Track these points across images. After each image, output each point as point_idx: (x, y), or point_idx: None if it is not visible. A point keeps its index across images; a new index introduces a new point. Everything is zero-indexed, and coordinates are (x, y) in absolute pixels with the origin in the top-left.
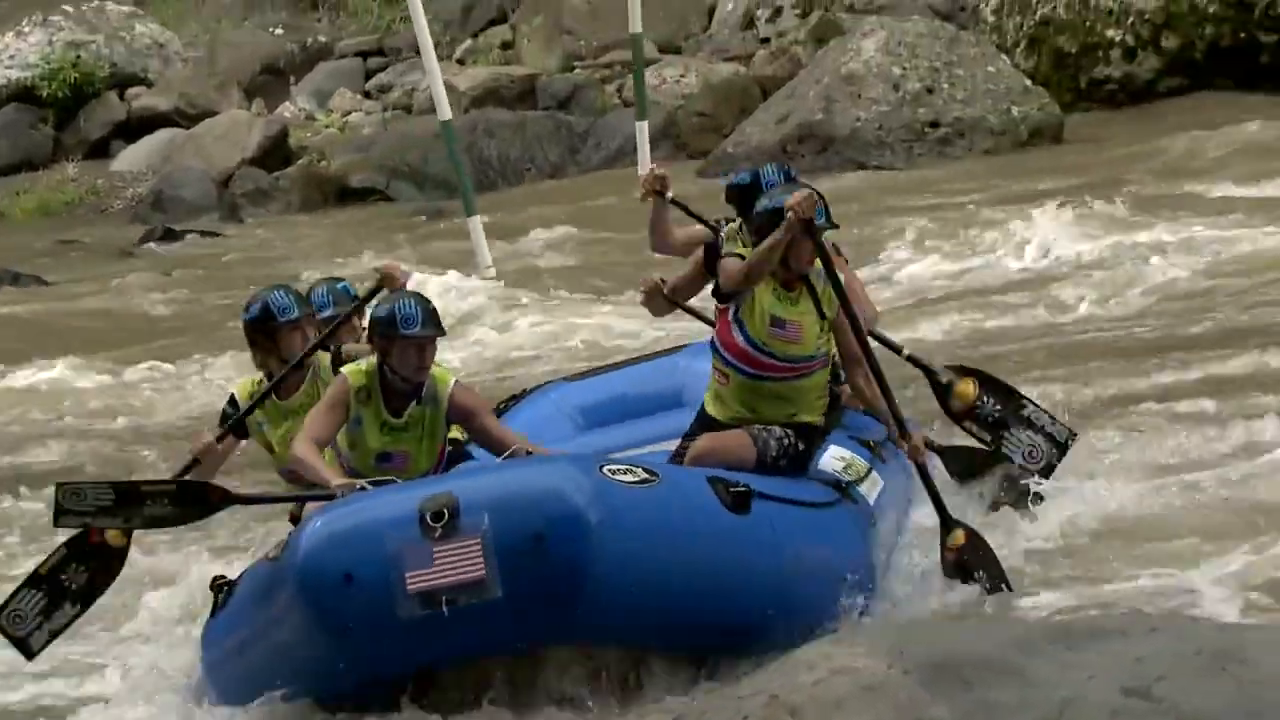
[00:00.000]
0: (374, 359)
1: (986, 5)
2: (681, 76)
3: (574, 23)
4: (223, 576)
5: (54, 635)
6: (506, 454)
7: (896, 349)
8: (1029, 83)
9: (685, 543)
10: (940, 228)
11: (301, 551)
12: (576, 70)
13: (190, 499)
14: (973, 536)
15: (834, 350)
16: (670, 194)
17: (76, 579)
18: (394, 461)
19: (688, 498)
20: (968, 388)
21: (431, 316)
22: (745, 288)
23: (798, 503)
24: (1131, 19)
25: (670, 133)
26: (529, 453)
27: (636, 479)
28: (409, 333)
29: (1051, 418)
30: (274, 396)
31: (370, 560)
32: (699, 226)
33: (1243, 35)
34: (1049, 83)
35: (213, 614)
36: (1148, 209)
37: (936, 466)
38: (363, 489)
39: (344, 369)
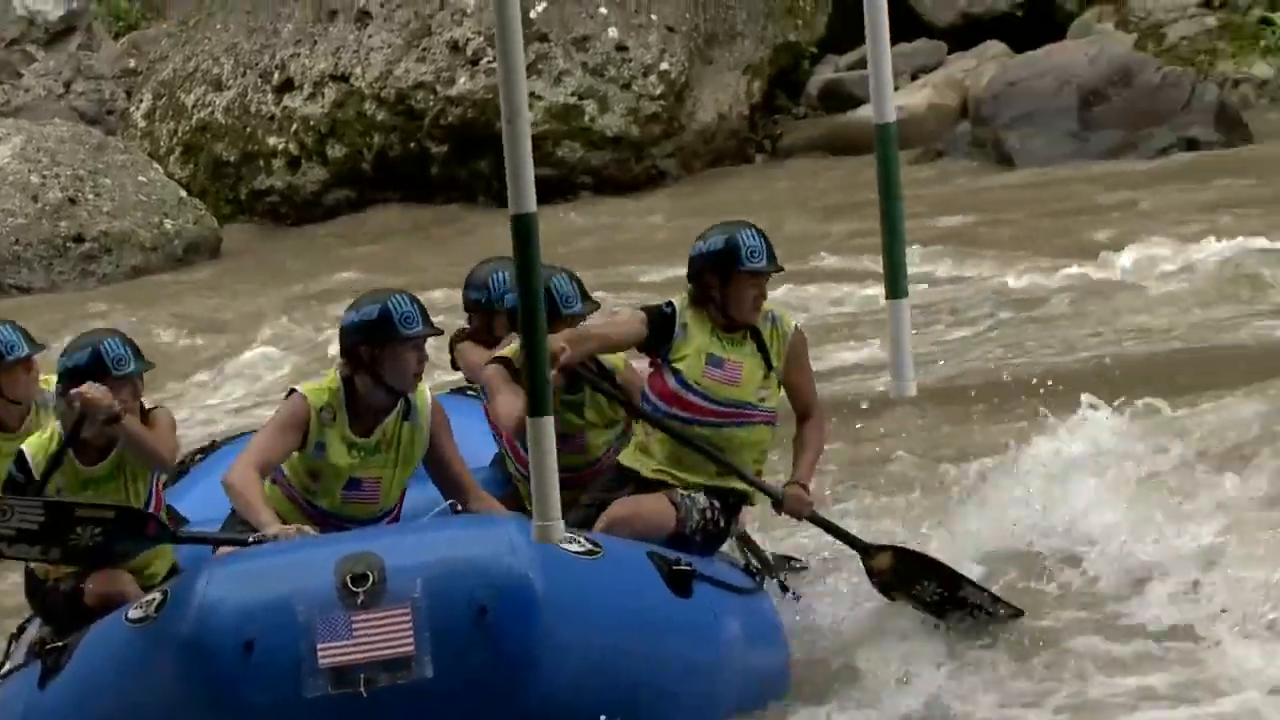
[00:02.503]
0: (334, 374)
1: (137, 109)
2: None
3: None
4: (54, 639)
5: None
6: (439, 509)
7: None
8: (184, 193)
9: (628, 624)
10: None
11: (192, 612)
12: None
13: (125, 530)
14: (900, 555)
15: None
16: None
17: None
18: (363, 490)
19: (631, 574)
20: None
21: (426, 313)
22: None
23: (731, 587)
24: (295, 126)
25: None
26: (462, 509)
27: (582, 549)
28: (412, 332)
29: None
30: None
31: (276, 626)
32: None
33: (412, 145)
34: (206, 194)
35: (40, 684)
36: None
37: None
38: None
39: (300, 387)
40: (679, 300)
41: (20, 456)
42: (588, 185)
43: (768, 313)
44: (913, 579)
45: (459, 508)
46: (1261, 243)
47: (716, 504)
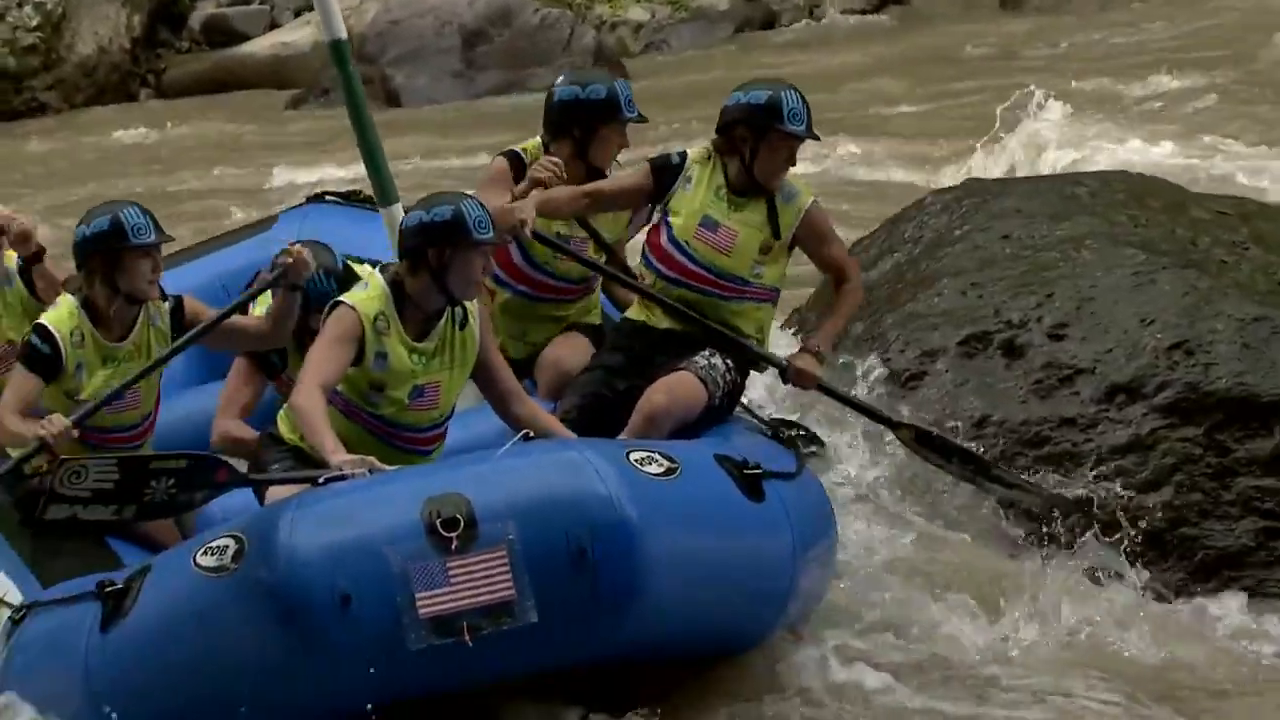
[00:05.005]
0: (378, 280)
1: None
2: None
3: None
4: (110, 581)
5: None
6: (515, 438)
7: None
8: None
9: (714, 540)
10: None
11: (284, 564)
12: None
13: (198, 479)
14: (919, 433)
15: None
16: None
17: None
18: (425, 397)
19: (711, 489)
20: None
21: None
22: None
23: (786, 475)
24: None
25: None
26: (529, 435)
27: (662, 470)
28: (484, 237)
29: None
30: (98, 335)
31: (371, 577)
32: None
33: None
34: None
35: (103, 628)
36: None
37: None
38: (370, 472)
39: (347, 297)
40: (693, 152)
41: (44, 330)
42: None
43: (784, 184)
44: (939, 456)
45: (530, 435)
46: None
47: (729, 361)
